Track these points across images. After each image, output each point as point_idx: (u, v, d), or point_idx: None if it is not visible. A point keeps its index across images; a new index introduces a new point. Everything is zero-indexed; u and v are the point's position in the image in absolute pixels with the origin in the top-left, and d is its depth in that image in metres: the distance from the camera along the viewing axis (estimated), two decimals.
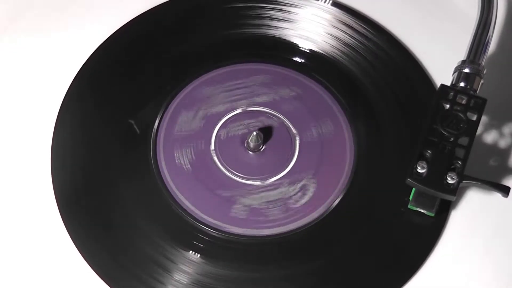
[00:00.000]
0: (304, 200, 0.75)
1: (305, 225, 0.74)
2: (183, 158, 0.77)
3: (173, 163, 0.76)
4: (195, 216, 0.74)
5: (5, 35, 0.82)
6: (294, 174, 0.76)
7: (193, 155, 0.77)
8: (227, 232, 0.73)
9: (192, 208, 0.74)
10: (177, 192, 0.75)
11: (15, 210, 0.74)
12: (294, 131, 0.78)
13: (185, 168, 0.76)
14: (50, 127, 0.77)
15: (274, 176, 0.76)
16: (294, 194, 0.75)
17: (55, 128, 0.77)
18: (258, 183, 0.76)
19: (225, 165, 0.76)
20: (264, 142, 0.77)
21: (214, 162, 0.76)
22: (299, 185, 0.76)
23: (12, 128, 0.78)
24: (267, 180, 0.76)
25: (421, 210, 0.74)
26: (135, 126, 0.78)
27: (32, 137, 0.77)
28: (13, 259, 0.72)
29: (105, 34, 0.82)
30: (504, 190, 0.71)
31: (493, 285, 0.73)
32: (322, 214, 0.74)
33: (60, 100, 0.78)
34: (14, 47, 0.82)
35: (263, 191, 0.75)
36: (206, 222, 0.74)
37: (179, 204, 0.74)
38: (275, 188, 0.76)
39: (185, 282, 0.71)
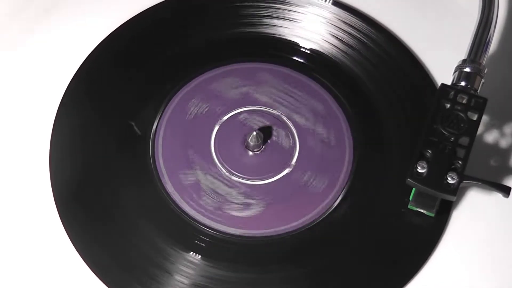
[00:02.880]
0: (303, 200, 0.75)
1: (304, 225, 0.74)
2: (182, 158, 0.76)
3: (172, 164, 0.76)
4: (195, 217, 0.74)
5: (3, 34, 0.82)
6: (294, 174, 0.76)
7: (192, 155, 0.77)
8: (227, 233, 0.73)
9: (192, 208, 0.74)
10: (176, 193, 0.75)
11: (14, 210, 0.74)
12: (294, 130, 0.78)
13: (184, 168, 0.76)
14: (49, 127, 0.77)
15: (274, 176, 0.76)
16: (294, 193, 0.75)
17: (54, 128, 0.77)
18: (258, 183, 0.76)
19: (224, 165, 0.76)
20: (264, 142, 0.77)
21: (214, 162, 0.76)
22: (299, 184, 0.75)
23: (10, 128, 0.77)
24: (268, 180, 0.76)
25: (421, 210, 0.74)
26: (134, 127, 0.78)
27: (30, 138, 0.77)
28: (11, 259, 0.72)
29: (104, 33, 0.82)
30: (505, 190, 0.71)
31: (494, 285, 0.73)
32: (321, 215, 0.74)
33: (58, 100, 0.78)
34: (12, 46, 0.82)
35: (263, 191, 0.75)
36: (205, 223, 0.74)
37: (178, 205, 0.74)
38: (275, 188, 0.75)
39: (185, 283, 0.71)
